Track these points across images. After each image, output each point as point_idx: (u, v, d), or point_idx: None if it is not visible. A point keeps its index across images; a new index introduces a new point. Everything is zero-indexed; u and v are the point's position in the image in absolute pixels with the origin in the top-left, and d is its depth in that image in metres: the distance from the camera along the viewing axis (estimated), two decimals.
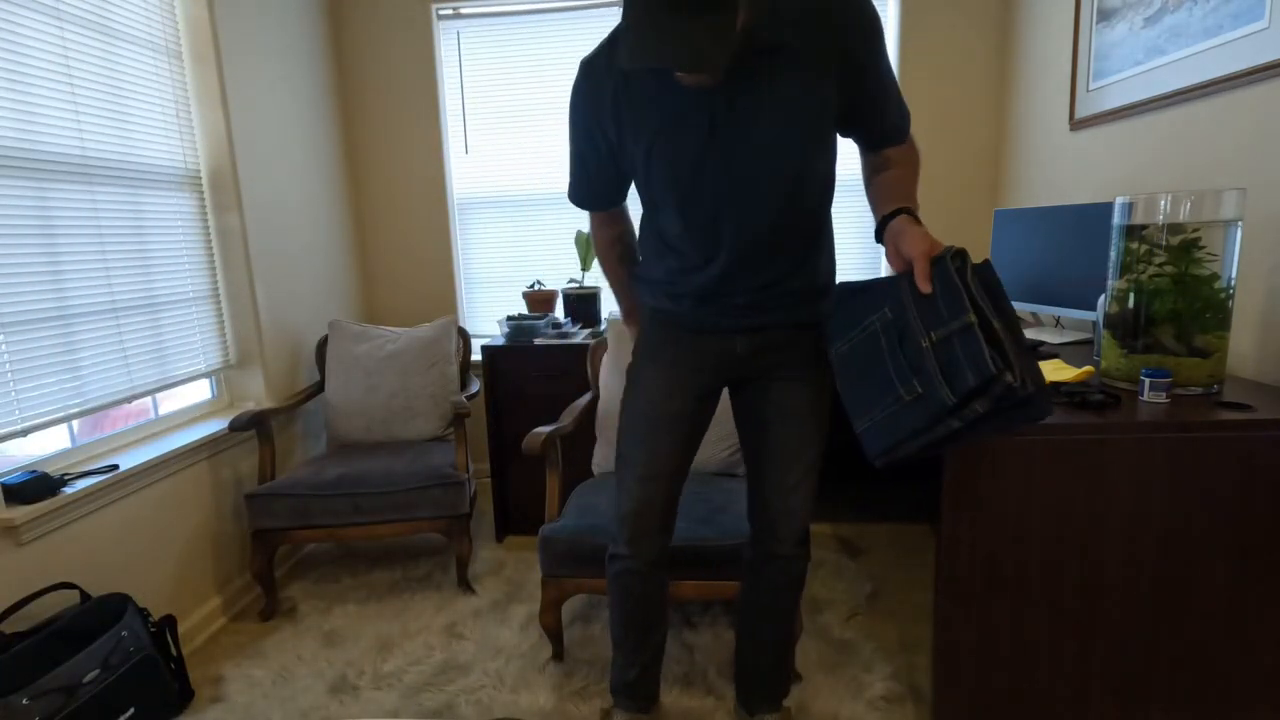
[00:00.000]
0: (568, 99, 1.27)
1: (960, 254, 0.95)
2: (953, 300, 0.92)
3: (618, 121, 1.18)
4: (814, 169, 1.16)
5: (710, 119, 1.10)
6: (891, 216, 1.07)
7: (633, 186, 1.31)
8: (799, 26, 1.04)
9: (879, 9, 2.69)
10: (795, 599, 1.47)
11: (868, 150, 1.22)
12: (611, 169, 1.28)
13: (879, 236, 1.12)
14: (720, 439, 2.07)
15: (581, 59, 1.20)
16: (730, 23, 0.91)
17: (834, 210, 1.32)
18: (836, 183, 1.26)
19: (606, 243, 1.43)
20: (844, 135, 1.20)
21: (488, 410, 2.55)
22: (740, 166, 1.13)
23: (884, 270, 2.89)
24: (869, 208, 1.22)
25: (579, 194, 1.36)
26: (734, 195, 1.15)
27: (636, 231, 1.39)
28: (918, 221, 1.05)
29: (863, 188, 1.26)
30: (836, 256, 1.35)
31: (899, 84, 1.17)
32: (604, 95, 1.17)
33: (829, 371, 1.26)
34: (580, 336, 2.54)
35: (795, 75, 1.06)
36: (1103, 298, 1.49)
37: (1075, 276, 1.98)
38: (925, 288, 0.95)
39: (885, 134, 1.18)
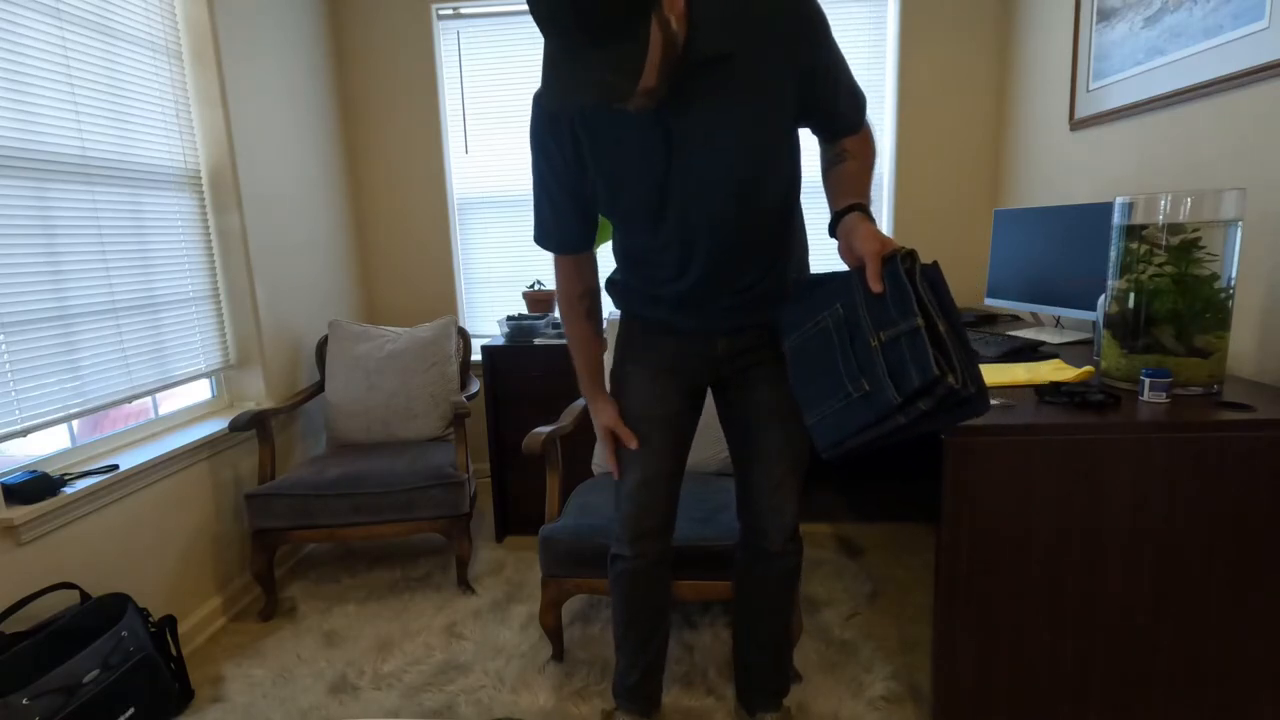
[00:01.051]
0: None
1: (910, 255, 0.98)
2: (902, 302, 0.95)
3: (578, 151, 1.17)
4: (776, 172, 1.16)
5: (666, 137, 1.10)
6: (846, 212, 1.08)
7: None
8: (742, 34, 1.03)
9: (880, 11, 2.74)
10: (789, 596, 1.47)
11: (823, 141, 1.22)
12: (580, 202, 1.23)
13: (832, 231, 1.11)
14: (718, 439, 2.06)
15: (535, 92, 1.15)
16: (634, 52, 0.91)
17: (806, 211, 1.33)
18: (804, 184, 1.26)
19: (574, 296, 1.34)
20: (801, 127, 1.19)
21: (488, 410, 2.55)
22: (701, 179, 1.12)
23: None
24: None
25: (549, 235, 1.28)
26: (699, 207, 1.15)
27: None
28: (870, 218, 1.06)
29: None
30: (810, 254, 1.36)
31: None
32: (560, 127, 1.16)
33: None
34: None
35: (745, 82, 1.06)
36: (1103, 298, 1.49)
37: (1075, 276, 1.98)
38: (877, 287, 0.97)
39: (839, 126, 1.18)
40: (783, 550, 1.40)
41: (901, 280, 0.95)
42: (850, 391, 1.01)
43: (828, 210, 1.15)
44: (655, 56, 0.94)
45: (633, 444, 1.33)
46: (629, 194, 1.17)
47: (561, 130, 1.16)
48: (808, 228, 1.36)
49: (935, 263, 0.99)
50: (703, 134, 1.09)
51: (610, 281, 1.38)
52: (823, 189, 1.19)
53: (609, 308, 1.95)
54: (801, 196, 1.27)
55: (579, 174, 1.19)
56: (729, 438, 1.42)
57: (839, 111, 1.16)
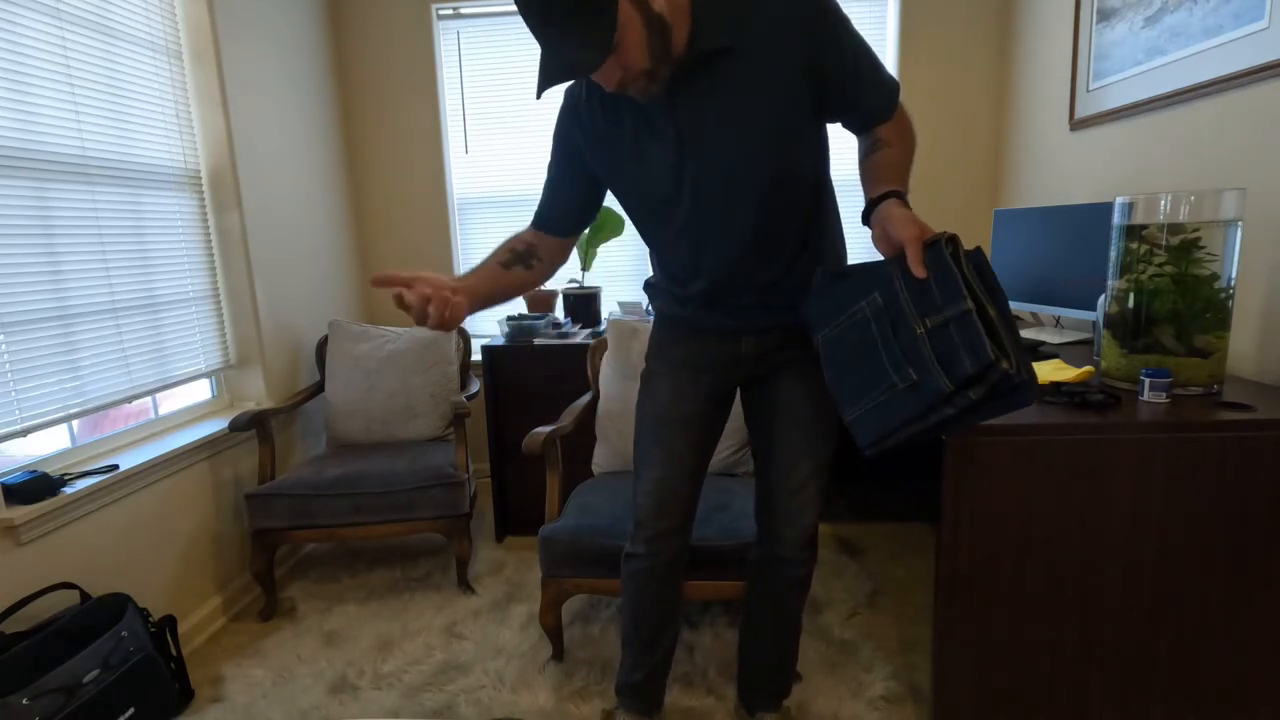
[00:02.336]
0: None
1: (953, 239, 0.94)
2: (948, 286, 0.91)
3: (594, 151, 1.21)
4: (792, 168, 1.14)
5: (676, 133, 1.10)
6: (880, 200, 1.04)
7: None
8: (746, 28, 1.03)
9: (880, 11, 2.74)
10: (799, 601, 1.46)
11: (856, 133, 1.20)
12: (577, 200, 1.28)
13: (866, 219, 1.08)
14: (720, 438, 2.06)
15: (566, 89, 1.22)
16: (602, 32, 0.93)
17: (842, 209, 1.31)
18: (839, 181, 1.25)
19: (509, 241, 1.29)
20: (831, 122, 1.18)
21: (488, 410, 2.55)
22: (712, 178, 1.12)
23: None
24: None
25: (539, 212, 1.31)
26: (709, 203, 1.15)
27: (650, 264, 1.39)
28: (907, 205, 1.02)
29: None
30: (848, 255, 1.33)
31: (898, 75, 1.14)
32: (576, 129, 1.21)
33: None
34: (580, 336, 2.54)
35: (750, 77, 1.05)
36: (1103, 298, 1.49)
37: (1075, 276, 1.98)
38: (919, 272, 0.93)
39: (867, 115, 1.15)
40: (797, 556, 1.38)
41: (947, 264, 0.91)
42: (895, 382, 0.95)
43: (863, 203, 1.10)
44: (637, 35, 0.96)
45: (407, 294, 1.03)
46: (640, 192, 1.18)
47: (575, 130, 1.21)
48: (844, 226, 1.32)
49: (979, 248, 0.95)
50: (709, 129, 1.09)
51: (647, 284, 1.40)
52: (860, 186, 1.15)
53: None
54: (837, 194, 1.25)
55: (592, 174, 1.24)
56: (752, 437, 1.42)
57: (862, 102, 1.13)
